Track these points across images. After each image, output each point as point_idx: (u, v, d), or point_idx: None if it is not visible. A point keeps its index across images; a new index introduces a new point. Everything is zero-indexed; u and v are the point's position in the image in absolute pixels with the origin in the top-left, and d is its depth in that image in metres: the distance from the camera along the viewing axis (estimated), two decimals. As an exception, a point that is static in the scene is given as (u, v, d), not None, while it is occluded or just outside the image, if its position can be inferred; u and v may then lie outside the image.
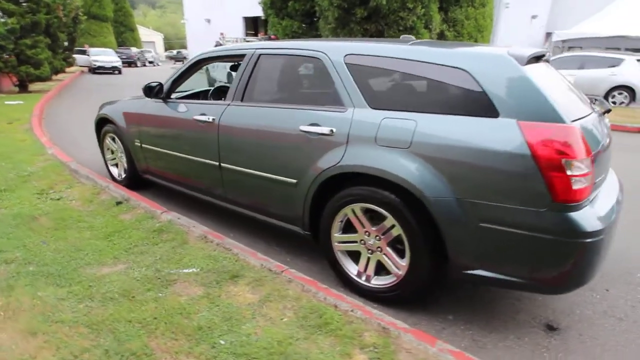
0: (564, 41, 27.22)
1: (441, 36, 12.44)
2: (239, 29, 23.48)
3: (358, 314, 1.81)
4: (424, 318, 1.99)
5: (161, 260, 2.35)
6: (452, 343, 1.74)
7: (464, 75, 1.73)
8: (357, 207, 2.01)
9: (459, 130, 1.69)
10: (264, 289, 2.04)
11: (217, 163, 2.62)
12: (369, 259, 2.09)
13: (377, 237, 2.01)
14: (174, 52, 41.71)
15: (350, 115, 1.98)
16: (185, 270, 2.23)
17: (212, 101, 2.78)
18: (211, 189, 2.82)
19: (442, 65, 1.78)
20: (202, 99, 3.43)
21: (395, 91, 2.00)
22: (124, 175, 3.77)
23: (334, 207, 2.09)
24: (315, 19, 12.88)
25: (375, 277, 2.08)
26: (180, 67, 3.04)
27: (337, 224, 2.13)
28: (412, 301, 2.04)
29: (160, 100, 3.05)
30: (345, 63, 2.06)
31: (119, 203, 3.22)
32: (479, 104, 1.68)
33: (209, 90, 3.65)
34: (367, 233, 2.04)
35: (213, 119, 2.56)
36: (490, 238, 1.67)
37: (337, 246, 2.17)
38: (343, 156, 1.96)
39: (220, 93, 3.35)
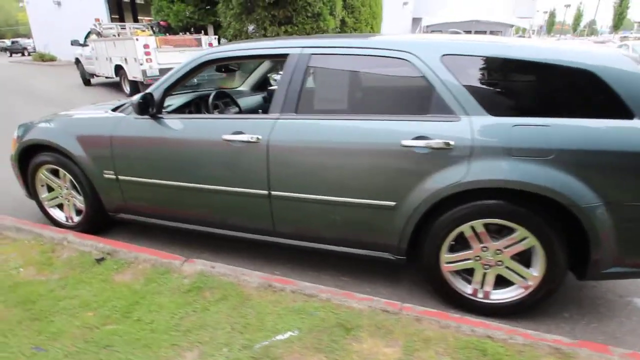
0: (427, 26, 30.80)
1: (342, 23, 12.70)
2: (100, 13, 19.92)
3: (519, 340, 1.67)
4: (547, 322, 1.97)
5: (237, 331, 1.79)
6: (591, 340, 1.76)
7: (590, 77, 1.67)
8: (479, 223, 1.83)
9: (598, 133, 1.64)
10: (396, 336, 1.73)
11: (264, 192, 2.10)
12: (484, 274, 1.95)
13: (497, 251, 1.88)
14: (7, 42, 33.64)
15: (467, 125, 1.76)
16: (281, 337, 1.75)
17: (246, 115, 2.19)
18: (249, 223, 2.27)
19: (568, 67, 1.69)
20: (194, 112, 2.73)
21: (515, 95, 1.84)
22: (77, 219, 2.81)
23: (447, 227, 1.87)
24: (211, 4, 11.72)
25: (494, 291, 1.97)
26: (173, 70, 2.32)
27: (447, 243, 1.92)
28: (530, 309, 1.99)
29: (149, 117, 2.30)
30: (444, 65, 1.81)
31: (100, 260, 2.38)
32: (611, 106, 1.65)
33: (200, 98, 2.92)
34: (484, 248, 1.89)
35: (258, 138, 2.02)
36: (633, 236, 1.70)
37: (446, 267, 1.97)
38: (467, 172, 1.75)
39: (224, 103, 2.71)
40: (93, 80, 12.07)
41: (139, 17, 23.14)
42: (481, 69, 1.83)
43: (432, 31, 27.18)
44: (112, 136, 2.38)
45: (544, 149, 1.67)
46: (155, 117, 2.28)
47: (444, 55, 1.82)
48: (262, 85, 3.77)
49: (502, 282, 1.95)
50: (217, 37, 10.67)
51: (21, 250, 2.54)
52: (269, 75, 3.80)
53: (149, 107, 2.22)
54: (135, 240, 2.76)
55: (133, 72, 9.12)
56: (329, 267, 2.43)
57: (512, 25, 26.76)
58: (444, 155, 1.78)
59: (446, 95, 1.80)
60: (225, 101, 2.95)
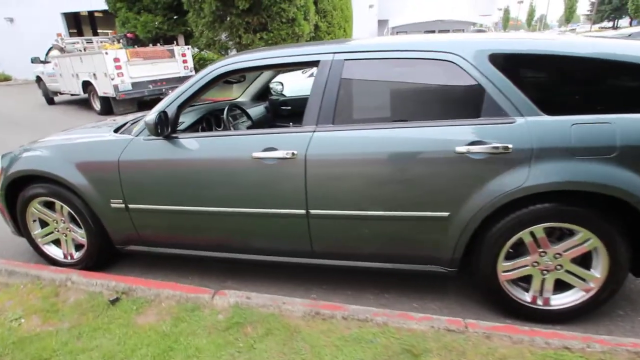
0: (393, 28, 31.43)
1: (316, 27, 12.63)
2: (57, 29, 18.87)
3: (597, 347, 1.59)
4: (605, 322, 1.91)
5: (295, 370, 1.61)
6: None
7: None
8: (539, 228, 1.74)
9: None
10: (470, 358, 1.60)
11: (302, 211, 1.93)
12: (543, 280, 1.87)
13: (556, 255, 1.80)
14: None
15: (523, 126, 1.67)
16: (346, 372, 1.58)
17: (276, 130, 2.00)
18: (283, 245, 2.09)
19: (626, 61, 1.64)
20: (206, 129, 2.51)
21: (570, 93, 1.75)
22: (77, 255, 2.53)
23: (505, 234, 1.77)
24: (180, 13, 11.33)
25: (553, 297, 1.89)
26: (186, 84, 2.11)
27: (505, 251, 1.82)
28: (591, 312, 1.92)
29: (162, 138, 2.07)
30: (492, 64, 1.72)
31: (114, 301, 2.12)
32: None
33: (210, 114, 2.69)
34: (542, 253, 1.81)
35: (294, 154, 1.85)
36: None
37: (503, 276, 1.87)
38: (528, 176, 1.65)
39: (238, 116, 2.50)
40: (57, 99, 11.37)
41: (98, 31, 22.18)
42: (532, 67, 1.75)
43: (398, 32, 27.74)
44: (120, 161, 2.13)
45: (607, 146, 1.60)
46: (169, 137, 2.06)
47: (491, 54, 1.73)
48: (263, 95, 3.58)
49: (561, 286, 1.88)
50: (189, 47, 10.31)
51: (18, 297, 2.23)
52: (270, 84, 3.62)
53: (163, 127, 2.00)
54: (147, 273, 2.51)
55: (103, 88, 8.64)
56: (368, 285, 2.28)
57: (474, 23, 27.71)
58: (503, 160, 1.67)
59: (497, 96, 1.71)
60: (234, 114, 2.75)
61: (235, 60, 2.04)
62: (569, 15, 44.06)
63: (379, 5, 26.78)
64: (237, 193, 2.00)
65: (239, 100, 3.49)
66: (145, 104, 9.49)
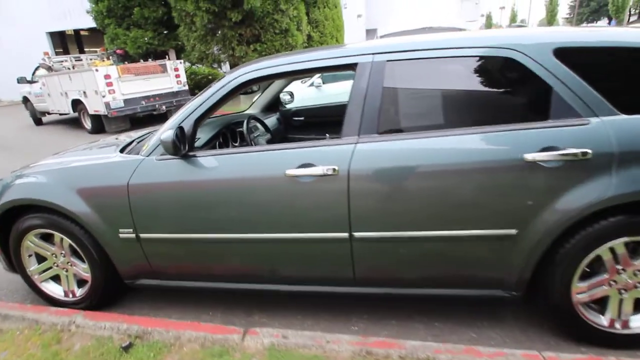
0: (382, 36, 31.61)
1: (308, 38, 12.54)
2: (43, 48, 18.51)
3: None
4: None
5: None
6: None
7: None
8: (620, 242, 1.53)
9: None
10: (561, 402, 1.36)
11: (344, 234, 1.69)
12: (621, 300, 1.64)
13: (636, 272, 1.58)
14: None
15: (600, 128, 1.46)
16: None
17: (310, 143, 1.76)
18: (319, 273, 1.85)
19: None
20: (224, 145, 2.26)
21: None
22: (80, 292, 2.23)
23: (582, 251, 1.55)
24: (170, 28, 11.13)
25: (633, 318, 1.66)
26: (203, 95, 1.87)
27: (580, 270, 1.60)
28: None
29: (179, 158, 1.82)
30: (559, 60, 1.52)
31: (127, 347, 1.83)
32: None
33: (226, 128, 2.44)
34: (621, 271, 1.59)
35: (335, 170, 1.62)
36: None
37: (577, 298, 1.64)
38: (610, 184, 1.44)
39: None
40: (45, 119, 11.00)
41: (85, 49, 21.88)
42: (602, 61, 1.55)
43: (387, 40, 27.87)
44: (130, 185, 1.87)
45: (701, 147, 1.40)
46: (187, 156, 1.81)
47: (555, 48, 1.53)
48: (273, 106, 3.36)
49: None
50: (181, 61, 10.09)
51: (14, 346, 1.93)
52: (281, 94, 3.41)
53: (180, 144, 1.75)
54: (160, 310, 2.23)
55: (94, 106, 8.34)
56: (413, 312, 2.03)
57: (462, 29, 28.05)
58: (580, 167, 1.46)
59: (566, 94, 1.50)
60: (249, 127, 2.51)
61: (260, 67, 1.81)
62: (551, 19, 45.10)
63: (366, 15, 27.03)
64: (268, 216, 1.75)
65: (248, 112, 3.26)
66: (138, 120, 9.20)
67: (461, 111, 1.69)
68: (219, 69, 12.49)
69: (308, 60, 1.78)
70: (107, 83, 8.08)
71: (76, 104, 8.87)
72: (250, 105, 3.29)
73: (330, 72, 1.84)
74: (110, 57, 10.01)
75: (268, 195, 1.72)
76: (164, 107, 8.94)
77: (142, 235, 1.94)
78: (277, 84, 3.17)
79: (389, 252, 1.71)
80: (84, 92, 8.45)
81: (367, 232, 1.68)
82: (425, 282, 1.77)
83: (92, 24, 12.04)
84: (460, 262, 1.68)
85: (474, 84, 1.64)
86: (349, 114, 1.67)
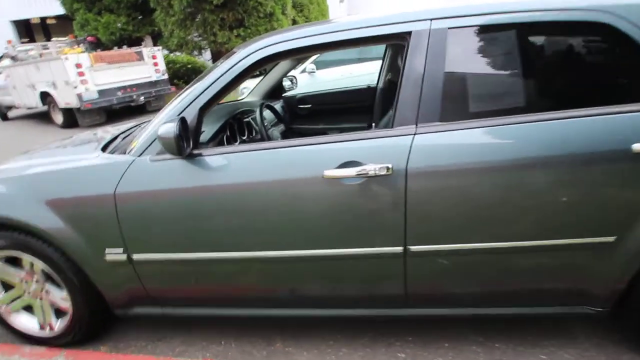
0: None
1: (293, 22, 11.98)
2: (7, 37, 17.18)
3: None
4: None
5: None
6: None
7: None
8: None
9: None
10: None
11: (397, 249, 1.34)
12: None
13: None
14: None
15: None
16: None
17: (353, 135, 1.38)
18: (365, 293, 1.50)
19: None
20: (233, 140, 1.86)
21: None
22: (60, 325, 1.81)
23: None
24: (146, 13, 10.37)
25: None
26: (209, 77, 1.46)
27: (687, 284, 1.31)
28: None
29: (181, 158, 1.42)
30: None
31: (124, 396, 1.45)
32: None
33: (234, 119, 2.02)
34: None
35: (389, 168, 1.26)
36: None
37: (681, 315, 1.36)
38: None
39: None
40: (11, 114, 10.18)
41: (52, 39, 20.54)
42: None
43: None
44: (118, 194, 1.47)
45: None
46: (191, 155, 1.41)
47: (666, 8, 1.20)
48: (275, 92, 2.95)
49: None
50: (159, 48, 9.43)
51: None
52: (284, 79, 3.00)
53: (184, 141, 1.35)
54: (159, 340, 1.85)
55: (65, 98, 7.66)
56: (466, 331, 1.72)
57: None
58: None
59: (683, 66, 1.18)
60: (253, 117, 2.11)
61: (283, 39, 1.41)
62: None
63: (348, 1, 26.41)
64: (301, 230, 1.38)
65: (246, 100, 2.84)
66: (114, 113, 8.56)
67: (544, 91, 1.35)
68: (200, 57, 11.81)
69: (345, 30, 1.39)
70: (78, 73, 7.42)
71: (45, 96, 8.15)
72: (250, 92, 2.88)
73: (372, 44, 1.46)
74: (81, 45, 9.25)
75: (301, 203, 1.35)
76: (142, 98, 8.33)
77: (136, 257, 1.54)
78: (280, 67, 2.77)
79: (453, 267, 1.38)
80: (54, 84, 7.75)
81: (426, 246, 1.33)
82: (495, 300, 1.46)
83: (61, 11, 11.14)
84: (542, 276, 1.37)
85: (559, 56, 1.30)
86: (402, 98, 1.31)
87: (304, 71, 6.72)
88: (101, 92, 7.78)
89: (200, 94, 1.43)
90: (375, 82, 2.91)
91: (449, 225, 1.30)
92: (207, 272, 1.55)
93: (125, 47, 8.98)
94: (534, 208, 1.26)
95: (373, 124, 1.80)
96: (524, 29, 1.28)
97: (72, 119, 7.91)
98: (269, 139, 1.97)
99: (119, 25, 10.06)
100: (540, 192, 1.24)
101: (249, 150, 1.41)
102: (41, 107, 8.57)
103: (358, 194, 1.30)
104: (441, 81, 1.28)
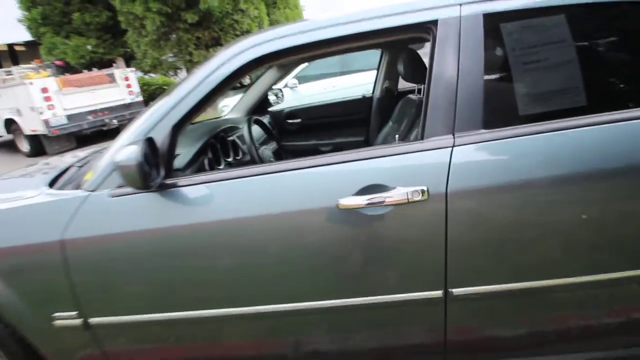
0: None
1: (271, 39, 11.84)
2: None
3: None
4: None
5: None
6: None
7: None
8: None
9: None
10: None
11: (436, 293, 1.04)
12: None
13: None
14: None
15: None
16: None
17: (370, 150, 1.09)
18: (394, 343, 1.18)
19: None
20: (216, 163, 1.53)
21: None
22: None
23: None
24: (116, 34, 10.01)
25: None
26: (181, 88, 1.15)
27: None
28: None
29: (150, 191, 1.09)
30: None
31: None
32: None
33: (215, 138, 1.68)
34: None
35: (424, 192, 0.97)
36: None
37: None
38: None
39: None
40: (-26, 144, 9.49)
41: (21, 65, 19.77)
42: None
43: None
44: (67, 241, 1.12)
45: None
46: (164, 186, 1.09)
47: None
48: (260, 108, 2.65)
49: None
50: (133, 69, 9.06)
51: None
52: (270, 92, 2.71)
53: (152, 169, 1.02)
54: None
55: (31, 125, 7.16)
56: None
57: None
58: None
59: None
60: (241, 135, 1.79)
61: (276, 35, 1.12)
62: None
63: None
64: (310, 276, 1.07)
65: (229, 116, 2.54)
66: (85, 138, 8.06)
67: (612, 86, 1.10)
68: (175, 77, 11.47)
69: (351, 22, 1.11)
70: (45, 97, 6.96)
71: (9, 124, 7.61)
72: (233, 109, 2.57)
73: (386, 38, 1.18)
74: (49, 69, 8.77)
75: (310, 242, 1.04)
76: (115, 121, 7.88)
77: (94, 320, 1.18)
78: (266, 78, 2.48)
79: (506, 310, 1.08)
80: (18, 110, 7.25)
81: (473, 287, 1.04)
82: (560, 344, 1.17)
83: (29, 37, 10.66)
84: (617, 314, 1.09)
85: (624, 42, 1.06)
86: (432, 103, 1.03)
87: (285, 86, 6.48)
88: (70, 117, 7.33)
89: (172, 108, 1.12)
90: (370, 92, 2.67)
91: (503, 260, 1.02)
92: (186, 333, 1.21)
93: (95, 69, 8.58)
94: (614, 231, 0.99)
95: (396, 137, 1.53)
96: (572, 13, 1.04)
97: (39, 146, 7.40)
98: (261, 160, 1.65)
99: (89, 47, 9.63)
100: (628, 208, 0.98)
101: (239, 177, 1.09)
102: (6, 136, 8.00)
103: (384, 226, 1.01)
104: (480, 79, 1.01)
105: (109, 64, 10.24)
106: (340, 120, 2.66)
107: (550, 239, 1.00)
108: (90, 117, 7.57)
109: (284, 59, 1.19)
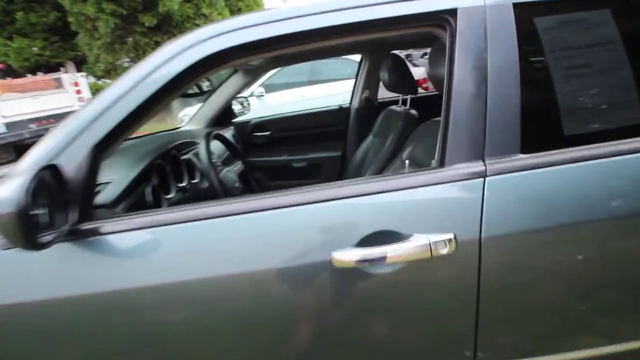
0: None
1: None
2: None
3: None
4: None
5: None
6: None
7: None
8: None
9: None
10: None
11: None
12: None
13: None
14: None
15: None
16: None
17: (375, 180, 0.80)
18: None
19: None
20: (164, 191, 1.18)
21: None
22: None
23: None
24: (66, 36, 9.23)
25: None
26: (106, 94, 0.82)
27: None
28: None
29: (64, 240, 0.74)
30: None
31: None
32: None
33: (163, 157, 1.31)
34: None
35: (451, 240, 0.70)
36: None
37: None
38: None
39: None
40: None
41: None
42: None
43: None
44: None
45: None
46: (78, 234, 0.75)
47: None
48: (223, 119, 2.31)
49: None
50: (84, 74, 8.37)
51: None
52: (236, 100, 2.38)
53: (54, 213, 0.69)
54: None
55: (-38, 136, 6.34)
56: None
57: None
58: None
59: None
60: (196, 152, 1.45)
61: (245, 23, 0.82)
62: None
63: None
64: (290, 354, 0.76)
65: (186, 128, 2.18)
66: (26, 149, 7.28)
67: None
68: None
69: (343, 10, 0.84)
70: (-22, 105, 6.20)
71: (-61, 135, 6.71)
72: (191, 120, 2.22)
73: (387, 32, 0.91)
74: (-14, 74, 7.92)
75: (293, 312, 0.74)
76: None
77: None
78: (230, 85, 2.16)
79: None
80: (-53, 119, 6.41)
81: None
82: None
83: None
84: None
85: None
86: (454, 118, 0.77)
87: (251, 94, 6.14)
88: (9, 126, 6.59)
89: (94, 121, 0.79)
90: (347, 102, 2.42)
91: (565, 329, 0.77)
92: None
93: (41, 74, 7.82)
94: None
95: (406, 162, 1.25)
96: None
97: (-27, 161, 6.56)
98: (222, 185, 1.31)
99: (34, 50, 8.81)
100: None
101: (190, 221, 0.77)
102: None
103: (397, 290, 0.73)
104: (516, 88, 0.77)
105: (57, 68, 9.44)
106: (314, 132, 2.39)
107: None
108: (32, 126, 6.83)
109: (253, 56, 0.89)
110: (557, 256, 0.74)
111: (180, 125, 2.27)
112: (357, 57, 4.47)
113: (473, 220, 0.72)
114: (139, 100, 0.80)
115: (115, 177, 1.04)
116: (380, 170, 1.70)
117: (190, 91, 2.06)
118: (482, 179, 0.74)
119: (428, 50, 1.18)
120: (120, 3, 7.73)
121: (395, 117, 1.86)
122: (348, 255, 0.70)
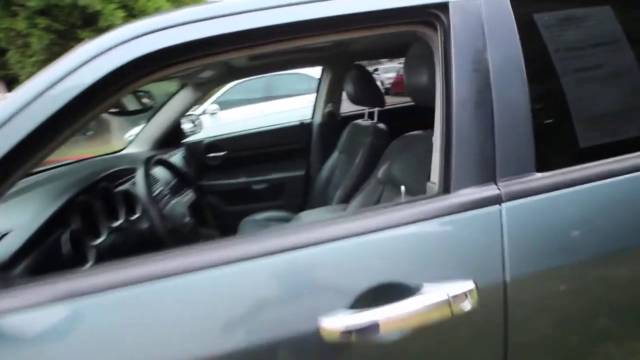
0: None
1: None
2: None
3: None
4: None
5: None
6: None
7: None
8: None
9: None
10: None
11: None
12: None
13: None
14: None
15: None
16: None
17: (368, 213, 0.62)
18: None
19: None
20: (94, 235, 0.91)
21: None
22: None
23: None
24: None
25: None
26: (10, 102, 0.59)
27: None
28: None
29: None
30: None
31: None
32: None
33: (91, 192, 1.03)
34: None
35: (472, 290, 0.54)
36: None
37: None
38: None
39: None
40: None
41: None
42: None
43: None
44: None
45: None
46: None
47: None
48: (172, 138, 2.05)
49: None
50: (14, 95, 7.58)
51: None
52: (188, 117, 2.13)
53: None
54: None
55: None
56: None
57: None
58: None
59: None
60: (133, 180, 1.19)
61: (185, 18, 0.63)
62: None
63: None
64: None
65: (125, 152, 1.90)
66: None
67: None
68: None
69: (309, 2, 0.67)
70: None
71: None
72: (133, 141, 1.95)
73: (362, 31, 0.75)
74: None
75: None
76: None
77: None
78: (177, 101, 1.92)
79: None
80: None
81: None
82: None
83: None
84: None
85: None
86: (458, 132, 0.62)
87: (203, 112, 5.83)
88: None
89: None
90: (309, 117, 2.27)
91: None
92: None
93: (-38, 95, 6.98)
94: None
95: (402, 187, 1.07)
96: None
97: None
98: (166, 223, 1.04)
99: (-47, 69, 7.90)
100: None
101: (120, 286, 0.54)
102: None
103: (404, 352, 0.55)
104: (524, 93, 0.64)
105: (-17, 88, 8.53)
106: (275, 151, 2.20)
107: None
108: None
109: (196, 62, 0.67)
110: (598, 292, 0.60)
111: (119, 149, 1.98)
112: (314, 72, 4.36)
113: (494, 258, 0.56)
114: (37, 122, 0.57)
115: (12, 226, 0.77)
116: (352, 191, 1.55)
117: (132, 108, 1.80)
118: (498, 206, 0.59)
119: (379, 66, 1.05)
120: (56, 17, 7.15)
121: (363, 132, 1.73)
122: (339, 322, 0.51)
